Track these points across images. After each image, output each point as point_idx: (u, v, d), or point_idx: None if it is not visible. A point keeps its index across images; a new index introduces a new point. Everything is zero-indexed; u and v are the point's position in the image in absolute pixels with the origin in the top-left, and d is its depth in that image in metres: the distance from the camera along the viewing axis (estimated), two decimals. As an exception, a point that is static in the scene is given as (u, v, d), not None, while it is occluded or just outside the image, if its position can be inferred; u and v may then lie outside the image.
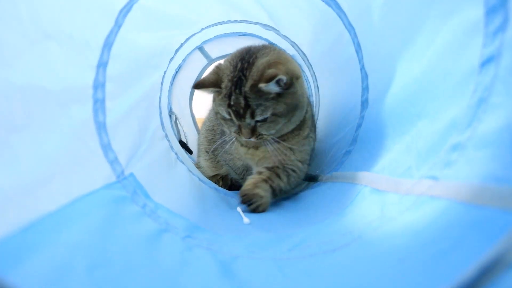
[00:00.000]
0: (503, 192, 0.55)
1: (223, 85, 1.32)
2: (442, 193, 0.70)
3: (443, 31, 0.84)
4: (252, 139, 1.36)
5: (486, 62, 0.69)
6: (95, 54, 1.02)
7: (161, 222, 0.95)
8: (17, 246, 0.61)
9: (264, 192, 1.38)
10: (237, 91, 1.27)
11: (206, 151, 2.03)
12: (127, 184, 1.00)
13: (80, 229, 0.73)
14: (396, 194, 0.86)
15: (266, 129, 1.33)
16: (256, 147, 1.50)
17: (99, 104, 1.01)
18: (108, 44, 1.06)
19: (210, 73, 1.40)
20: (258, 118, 1.29)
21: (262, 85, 1.22)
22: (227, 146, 1.58)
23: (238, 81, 1.28)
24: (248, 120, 1.30)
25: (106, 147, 1.00)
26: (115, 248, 0.76)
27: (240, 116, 1.30)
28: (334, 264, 0.76)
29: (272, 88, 1.23)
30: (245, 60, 1.32)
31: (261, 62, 1.30)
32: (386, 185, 0.93)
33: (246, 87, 1.26)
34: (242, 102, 1.27)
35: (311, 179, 1.70)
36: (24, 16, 0.74)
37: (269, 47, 1.43)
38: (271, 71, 1.22)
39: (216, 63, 1.48)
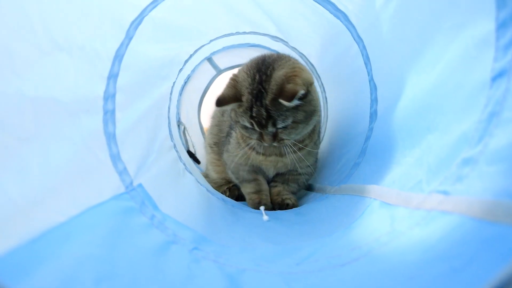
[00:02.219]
0: (516, 208, 0.54)
1: (244, 98, 1.36)
2: (453, 208, 0.69)
3: (454, 44, 0.84)
4: (275, 144, 1.42)
5: (498, 76, 0.68)
6: (106, 65, 1.03)
7: (169, 234, 0.95)
8: (25, 257, 0.61)
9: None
10: (258, 103, 1.32)
11: (210, 146, 2.04)
12: (136, 195, 1.00)
13: (88, 240, 0.73)
14: (406, 209, 0.84)
15: (287, 134, 1.39)
16: (278, 154, 1.58)
17: (109, 115, 1.02)
18: (119, 56, 1.07)
19: (228, 87, 1.43)
20: (280, 126, 1.35)
21: (284, 102, 1.27)
22: (237, 159, 1.64)
23: (258, 93, 1.33)
24: (270, 128, 1.36)
25: (115, 158, 1.00)
26: (122, 260, 0.76)
27: (262, 126, 1.35)
28: (342, 279, 0.75)
29: (293, 102, 1.28)
30: (262, 72, 1.35)
31: (278, 75, 1.33)
32: (396, 199, 0.92)
33: (267, 100, 1.31)
34: (264, 113, 1.32)
35: (319, 190, 1.69)
36: (37, 27, 0.76)
37: (284, 58, 1.46)
38: (291, 88, 1.27)
39: (231, 74, 1.48)
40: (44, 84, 0.78)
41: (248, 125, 1.39)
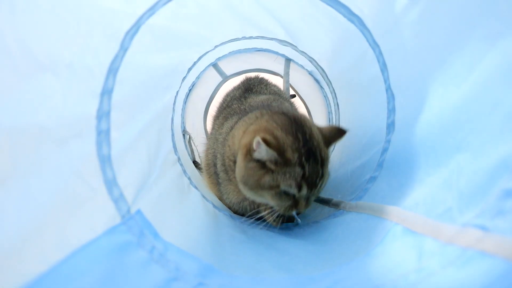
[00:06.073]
0: None
1: (289, 155, 1.13)
2: (496, 249, 0.59)
3: (490, 54, 0.73)
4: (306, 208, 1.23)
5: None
6: (98, 81, 0.94)
7: (170, 269, 0.85)
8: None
9: None
10: (311, 160, 1.14)
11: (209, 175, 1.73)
12: (133, 224, 0.90)
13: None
14: (435, 241, 0.74)
15: (319, 191, 1.24)
16: None
17: (103, 136, 0.93)
18: (113, 70, 0.98)
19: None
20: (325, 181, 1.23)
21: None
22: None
23: (309, 151, 1.15)
24: (318, 189, 1.20)
25: (111, 183, 0.91)
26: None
27: (313, 187, 1.17)
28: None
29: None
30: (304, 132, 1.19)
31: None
32: (422, 227, 0.82)
33: (323, 153, 1.20)
34: (320, 170, 1.17)
35: (333, 205, 1.59)
36: (12, 49, 0.66)
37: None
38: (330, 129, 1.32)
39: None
40: (25, 111, 0.68)
41: (291, 190, 1.14)
